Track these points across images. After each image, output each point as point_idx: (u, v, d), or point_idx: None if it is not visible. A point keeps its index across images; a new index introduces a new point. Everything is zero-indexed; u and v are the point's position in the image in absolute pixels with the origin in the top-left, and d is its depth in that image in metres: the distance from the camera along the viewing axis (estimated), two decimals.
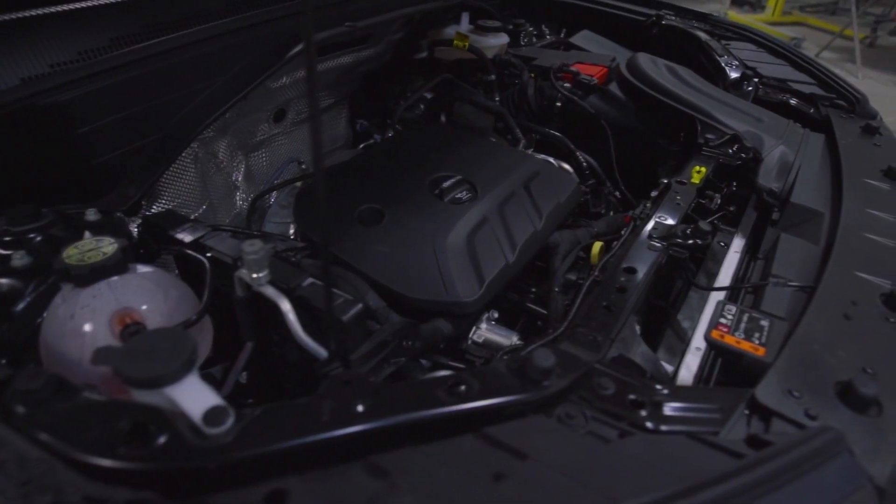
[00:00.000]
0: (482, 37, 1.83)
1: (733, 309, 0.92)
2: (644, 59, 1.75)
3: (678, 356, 1.02)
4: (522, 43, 2.29)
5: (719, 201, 1.33)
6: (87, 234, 1.03)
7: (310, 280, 0.88)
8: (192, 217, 1.38)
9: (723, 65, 1.86)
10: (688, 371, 1.00)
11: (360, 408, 0.64)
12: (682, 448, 0.64)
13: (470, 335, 1.15)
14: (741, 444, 0.66)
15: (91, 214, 1.08)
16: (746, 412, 0.71)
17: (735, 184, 1.42)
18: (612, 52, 2.12)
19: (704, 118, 1.51)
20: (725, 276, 1.22)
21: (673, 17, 2.24)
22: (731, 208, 1.37)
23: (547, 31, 2.39)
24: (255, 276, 0.82)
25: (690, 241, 1.09)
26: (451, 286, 1.06)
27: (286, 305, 0.81)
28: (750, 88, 1.78)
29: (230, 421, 0.61)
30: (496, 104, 1.69)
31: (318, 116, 0.59)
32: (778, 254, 1.07)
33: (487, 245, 1.15)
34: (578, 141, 1.70)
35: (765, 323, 0.89)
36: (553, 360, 0.72)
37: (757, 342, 0.86)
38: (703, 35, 2.07)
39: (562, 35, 2.41)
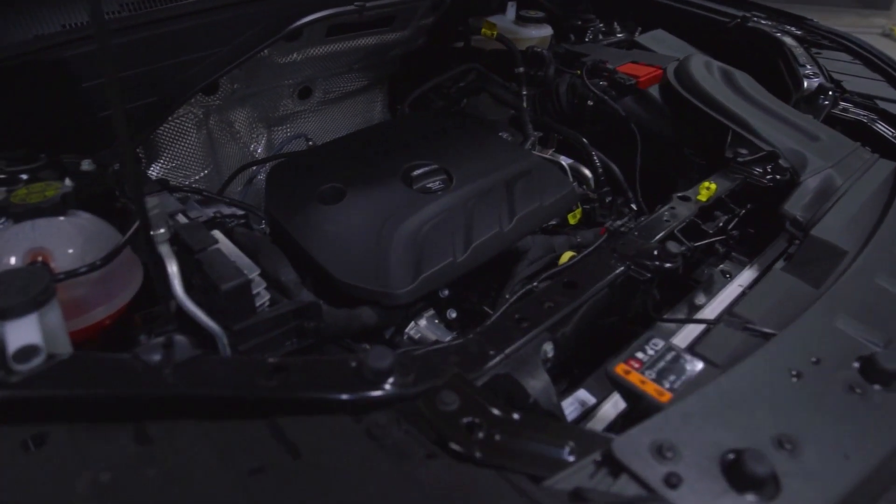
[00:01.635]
0: (522, 27, 1.74)
1: (660, 344, 0.78)
2: (696, 62, 1.56)
3: (610, 388, 0.90)
4: (587, 39, 2.15)
5: (721, 224, 1.15)
6: (66, 180, 1.13)
7: (216, 247, 0.89)
8: (192, 180, 1.46)
9: (800, 74, 1.61)
10: (613, 408, 0.88)
11: (166, 371, 0.63)
12: (481, 484, 0.56)
13: (407, 330, 1.10)
14: (563, 495, 0.56)
15: (86, 164, 1.17)
16: (598, 460, 0.60)
17: (749, 206, 1.22)
18: (684, 54, 1.92)
19: (741, 130, 1.31)
20: (713, 311, 1.06)
21: (762, 20, 1.98)
22: (734, 232, 1.18)
23: (618, 29, 2.22)
24: (152, 232, 0.84)
25: (655, 263, 0.95)
26: (384, 274, 1.01)
27: (172, 268, 0.82)
28: (826, 103, 1.52)
29: (37, 361, 0.62)
30: (513, 97, 1.59)
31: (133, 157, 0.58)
32: (756, 291, 0.90)
33: (438, 239, 1.08)
34: (606, 144, 1.56)
35: (690, 367, 0.75)
36: (390, 361, 0.66)
37: (667, 386, 0.72)
38: (788, 40, 1.81)
39: (637, 34, 2.23)
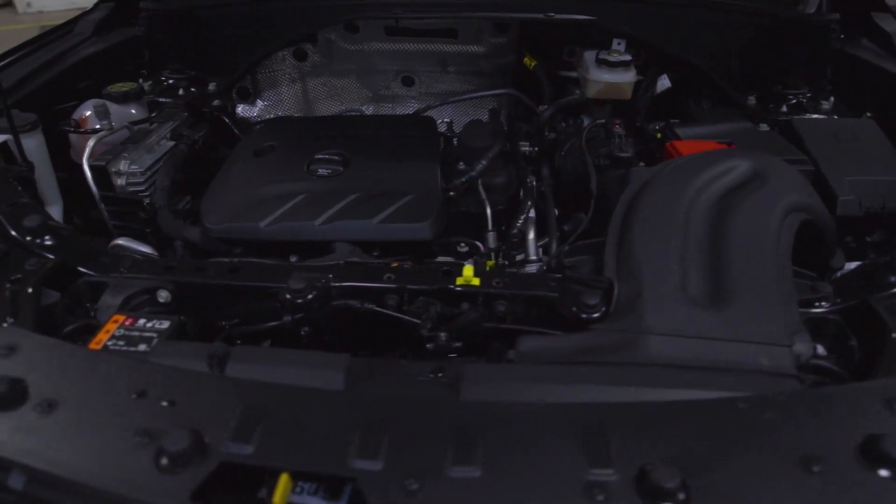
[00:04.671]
0: (595, 68, 1.51)
1: (164, 325, 0.90)
2: (691, 173, 1.12)
3: None
4: (769, 107, 1.67)
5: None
6: (180, 90, 1.79)
7: (132, 146, 1.37)
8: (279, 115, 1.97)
9: None
10: None
11: None
12: None
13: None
14: None
15: (211, 86, 1.83)
16: None
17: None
18: (863, 159, 1.36)
19: (611, 255, 1.00)
20: None
21: None
22: (442, 334, 0.96)
23: (826, 106, 1.61)
24: (97, 126, 1.39)
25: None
26: (214, 210, 1.32)
27: (91, 142, 1.35)
28: None
29: None
30: (506, 132, 1.47)
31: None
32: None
33: (266, 205, 1.29)
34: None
35: (140, 348, 0.87)
36: (36, 224, 1.04)
37: (108, 343, 0.87)
38: None
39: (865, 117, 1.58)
